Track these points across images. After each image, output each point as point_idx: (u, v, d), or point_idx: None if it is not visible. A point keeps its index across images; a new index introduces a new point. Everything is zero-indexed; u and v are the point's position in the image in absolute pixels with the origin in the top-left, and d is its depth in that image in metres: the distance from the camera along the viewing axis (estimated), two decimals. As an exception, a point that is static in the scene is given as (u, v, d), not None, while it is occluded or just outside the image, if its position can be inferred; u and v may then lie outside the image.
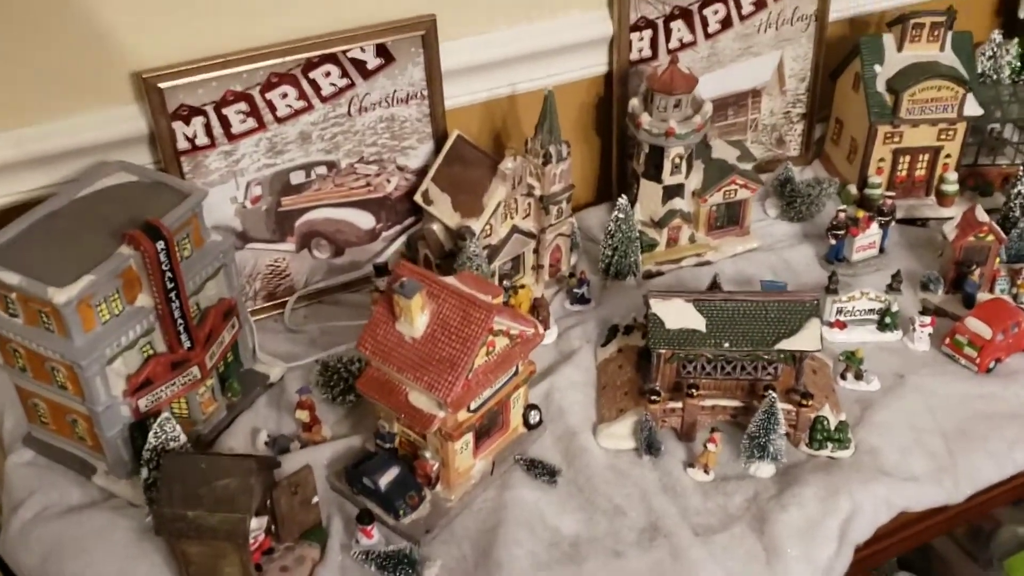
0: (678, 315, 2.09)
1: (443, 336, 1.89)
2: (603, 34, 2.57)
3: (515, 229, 2.41)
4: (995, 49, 2.88)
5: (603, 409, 2.20)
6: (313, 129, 2.32)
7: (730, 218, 2.66)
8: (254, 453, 2.10)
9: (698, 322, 2.08)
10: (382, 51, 2.30)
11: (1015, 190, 2.52)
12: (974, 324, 2.29)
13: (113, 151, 2.17)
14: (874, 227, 2.57)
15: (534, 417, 2.14)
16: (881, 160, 2.70)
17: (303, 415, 2.12)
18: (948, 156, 2.70)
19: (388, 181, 2.48)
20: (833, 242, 2.58)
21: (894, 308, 2.38)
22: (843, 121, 2.84)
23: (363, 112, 2.36)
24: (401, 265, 1.97)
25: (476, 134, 2.57)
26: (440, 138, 2.48)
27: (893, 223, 2.61)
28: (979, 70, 2.90)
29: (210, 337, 2.08)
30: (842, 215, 2.56)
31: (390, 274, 2.40)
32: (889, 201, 2.59)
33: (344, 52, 2.26)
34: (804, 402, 2.07)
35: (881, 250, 2.62)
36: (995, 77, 2.91)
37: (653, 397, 2.10)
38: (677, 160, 2.49)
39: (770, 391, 2.04)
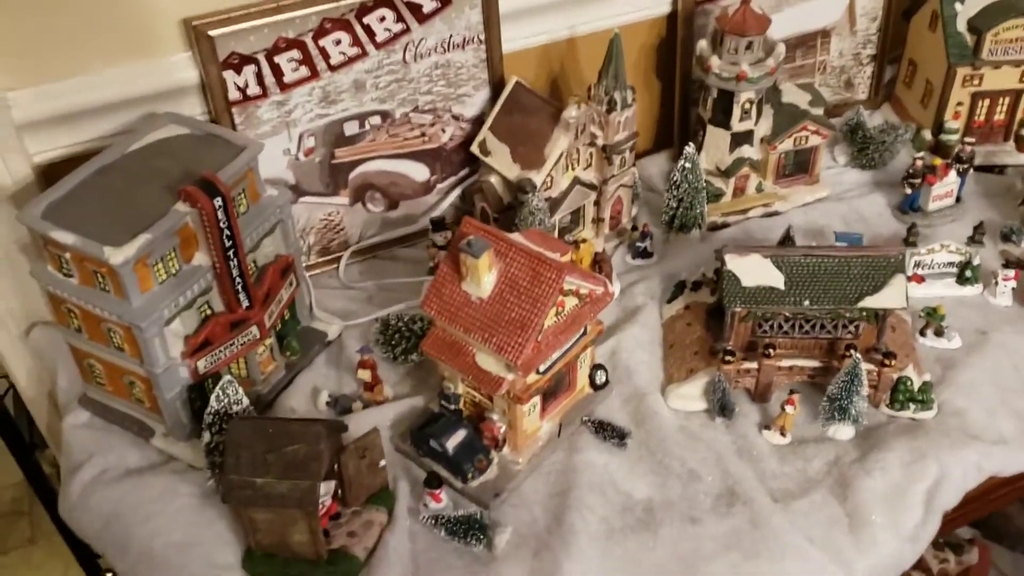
0: (755, 271, 1.99)
1: (512, 296, 1.81)
2: (665, -28, 2.44)
3: (576, 181, 2.31)
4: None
5: (671, 369, 2.12)
6: (367, 77, 2.22)
7: (799, 166, 2.54)
8: (316, 414, 2.05)
9: (776, 279, 1.98)
10: (439, -7, 2.20)
11: (1105, 135, 2.38)
12: (1062, 278, 2.18)
13: (162, 102, 2.09)
14: (952, 175, 2.44)
15: (600, 377, 2.07)
16: (959, 104, 2.56)
17: (365, 375, 2.05)
18: (1030, 100, 2.57)
19: (443, 131, 2.38)
20: (909, 191, 2.46)
21: (975, 261, 2.27)
22: (917, 63, 2.69)
23: (418, 59, 2.25)
24: (466, 221, 1.88)
25: (533, 80, 2.45)
26: (497, 85, 2.37)
27: (971, 171, 2.49)
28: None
29: (268, 295, 2.02)
30: (919, 163, 2.44)
31: (447, 228, 2.33)
32: (968, 147, 2.46)
33: (400, -5, 2.16)
34: (887, 362, 1.98)
35: (958, 199, 2.50)
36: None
37: (727, 357, 2.01)
38: (747, 105, 2.37)
39: (853, 351, 1.96)
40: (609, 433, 1.99)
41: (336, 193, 2.35)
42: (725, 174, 2.47)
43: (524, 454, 1.94)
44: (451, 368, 1.90)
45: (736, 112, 2.37)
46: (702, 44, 2.36)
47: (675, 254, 2.44)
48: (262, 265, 2.03)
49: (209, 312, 1.93)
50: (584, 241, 2.32)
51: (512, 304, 1.80)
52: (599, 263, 2.31)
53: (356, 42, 2.17)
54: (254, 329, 1.98)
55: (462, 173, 2.47)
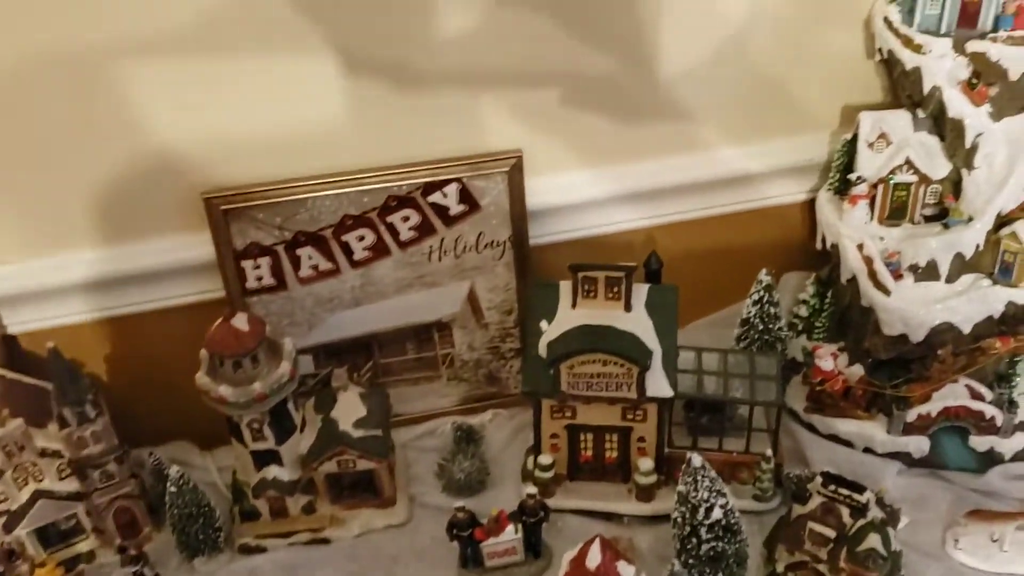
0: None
1: None
2: (203, 259, 2.15)
3: (40, 494, 2.01)
4: (762, 293, 2.27)
5: None
6: None
7: (365, 486, 2.17)
8: None
9: None
10: None
11: (676, 510, 1.90)
12: None
13: None
14: (509, 530, 2.01)
15: None
16: (554, 436, 2.13)
17: None
18: (642, 440, 2.11)
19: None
20: (455, 543, 2.04)
21: (464, 663, 1.83)
22: (544, 371, 2.28)
23: None
24: None
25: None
26: None
27: (544, 524, 2.05)
28: (745, 316, 2.30)
29: None
30: (460, 515, 2.02)
31: None
32: (532, 500, 2.02)
33: None
34: None
35: (536, 553, 2.05)
36: (762, 327, 2.29)
37: None
38: (255, 425, 2.03)
39: None
40: None
41: None
42: (254, 494, 2.12)
43: None
44: None
45: (245, 432, 2.03)
46: (202, 353, 2.05)
47: (190, 583, 2.10)
48: None
49: None
50: (42, 565, 2.02)
51: None
52: (69, 589, 2.00)
53: None
54: None
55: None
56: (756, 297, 2.27)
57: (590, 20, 2.11)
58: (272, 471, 2.10)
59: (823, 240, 2.29)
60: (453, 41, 2.06)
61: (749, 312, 2.28)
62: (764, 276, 2.25)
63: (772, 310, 2.27)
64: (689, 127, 2.33)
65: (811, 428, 2.29)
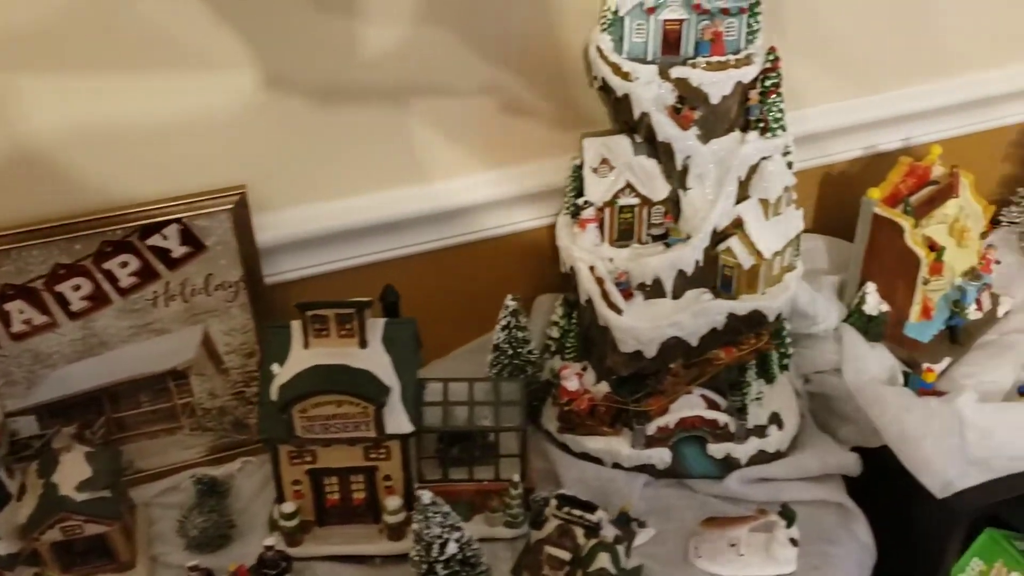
0: None
1: None
2: None
3: None
4: (509, 318, 2.28)
5: None
6: None
7: (98, 552, 2.02)
8: None
9: None
10: None
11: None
12: None
13: None
14: (249, 584, 1.93)
15: None
16: (296, 483, 2.06)
17: None
18: (388, 478, 2.06)
19: None
20: (193, 604, 1.94)
21: None
22: (290, 413, 2.21)
23: None
24: None
25: None
26: None
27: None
28: (495, 342, 2.31)
29: None
30: (193, 574, 1.92)
31: None
32: (270, 553, 1.95)
33: None
34: None
35: (280, 607, 1.98)
36: (512, 352, 2.30)
37: None
38: (-49, 500, 1.87)
39: None
40: None
41: None
42: (-35, 574, 1.95)
43: None
44: None
45: (-61, 507, 1.87)
46: None
47: None
48: None
49: None
50: None
51: None
52: None
53: None
54: None
55: None
56: (504, 323, 2.28)
57: (307, 54, 2.07)
58: (-21, 545, 1.93)
59: (564, 263, 2.32)
60: (164, 73, 1.97)
61: (498, 338, 2.29)
62: (510, 301, 2.27)
63: (520, 334, 2.29)
64: (428, 157, 2.33)
65: (565, 448, 2.31)
